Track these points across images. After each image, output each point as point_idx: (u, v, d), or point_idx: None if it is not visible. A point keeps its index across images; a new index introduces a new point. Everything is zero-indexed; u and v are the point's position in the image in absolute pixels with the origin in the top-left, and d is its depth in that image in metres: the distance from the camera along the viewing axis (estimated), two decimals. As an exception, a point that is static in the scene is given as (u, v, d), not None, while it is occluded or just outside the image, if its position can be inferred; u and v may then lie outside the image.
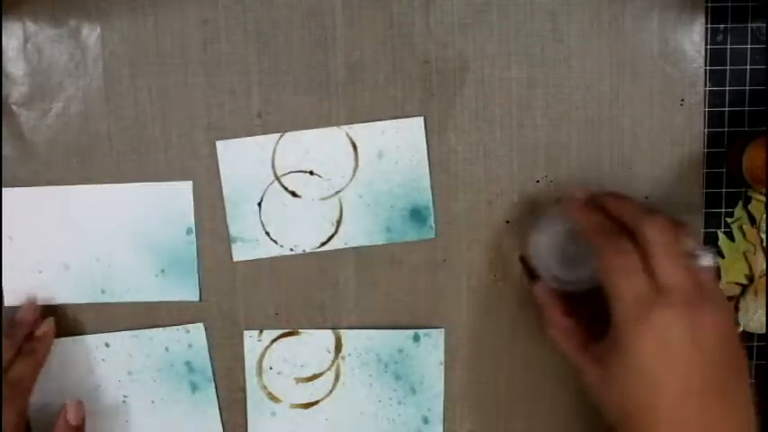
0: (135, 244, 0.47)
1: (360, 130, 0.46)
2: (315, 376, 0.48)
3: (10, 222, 0.46)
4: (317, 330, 0.48)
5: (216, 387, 0.48)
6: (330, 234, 0.47)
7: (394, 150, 0.46)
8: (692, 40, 0.46)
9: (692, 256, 0.35)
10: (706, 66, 0.46)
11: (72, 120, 0.46)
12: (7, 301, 0.47)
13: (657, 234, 0.35)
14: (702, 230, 0.48)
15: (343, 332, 0.48)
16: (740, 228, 0.48)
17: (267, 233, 0.47)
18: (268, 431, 0.48)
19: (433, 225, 0.47)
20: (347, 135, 0.46)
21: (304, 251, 0.47)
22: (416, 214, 0.47)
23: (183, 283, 0.47)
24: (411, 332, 0.48)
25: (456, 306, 0.48)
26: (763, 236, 0.48)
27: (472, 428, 0.49)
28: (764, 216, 0.47)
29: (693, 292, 0.34)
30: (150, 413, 0.48)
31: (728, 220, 0.48)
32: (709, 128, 0.47)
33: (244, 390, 0.48)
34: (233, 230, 0.47)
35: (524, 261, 0.47)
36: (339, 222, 0.47)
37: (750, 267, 0.48)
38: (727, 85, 0.47)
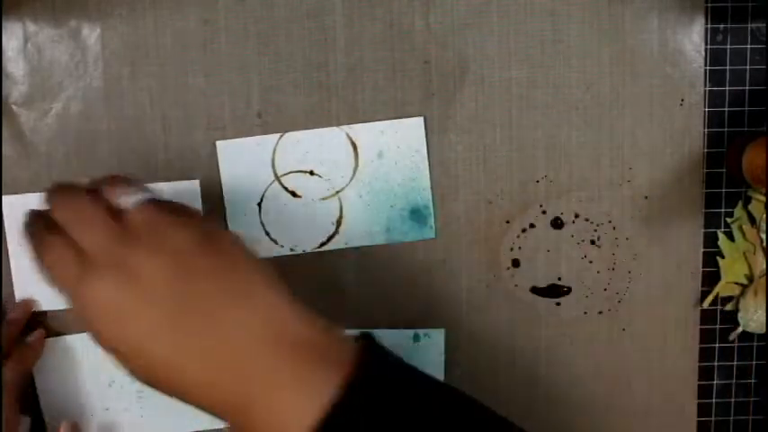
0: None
1: (360, 130, 0.46)
2: (315, 376, 0.48)
3: (20, 230, 0.46)
4: (317, 330, 0.48)
5: None
6: (330, 234, 0.47)
7: (394, 150, 0.46)
8: (692, 40, 0.46)
9: (127, 203, 0.33)
10: (706, 66, 0.46)
11: (72, 120, 0.46)
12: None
13: (62, 210, 0.33)
14: (702, 230, 0.48)
15: (343, 332, 0.48)
16: (740, 228, 0.48)
17: (267, 233, 0.47)
18: (268, 431, 0.48)
19: (433, 225, 0.47)
20: (347, 135, 0.46)
21: (304, 251, 0.47)
22: (416, 214, 0.47)
23: None
24: (411, 332, 0.48)
25: (456, 306, 0.48)
26: (763, 236, 0.48)
27: (472, 428, 0.49)
28: (764, 216, 0.47)
29: (118, 246, 0.31)
30: (165, 408, 0.48)
31: (728, 220, 0.48)
32: (709, 128, 0.47)
33: (244, 390, 0.48)
34: (233, 230, 0.47)
35: None
36: (339, 222, 0.47)
37: (750, 267, 0.48)
38: (727, 85, 0.47)
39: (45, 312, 0.47)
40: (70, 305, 0.32)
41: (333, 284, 0.48)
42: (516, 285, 0.48)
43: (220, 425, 0.48)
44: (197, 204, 0.46)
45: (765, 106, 0.47)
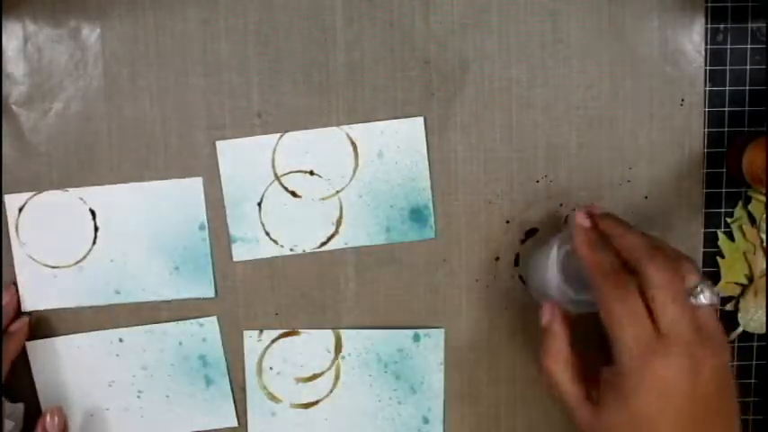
0: (149, 243, 0.47)
1: (360, 130, 0.46)
2: (315, 376, 0.48)
3: (23, 227, 0.46)
4: (316, 330, 0.48)
5: (230, 380, 0.48)
6: (330, 234, 0.47)
7: (394, 150, 0.46)
8: (692, 40, 0.46)
9: (694, 294, 0.35)
10: (706, 66, 0.46)
11: (72, 120, 0.46)
12: (24, 307, 0.47)
13: (659, 276, 0.35)
14: (702, 230, 0.48)
15: (343, 332, 0.48)
16: (740, 228, 0.48)
17: (267, 233, 0.47)
18: (268, 431, 0.48)
19: (433, 225, 0.47)
20: (347, 135, 0.46)
21: (304, 251, 0.47)
22: (416, 214, 0.47)
23: (197, 279, 0.47)
24: (411, 332, 0.48)
25: (456, 306, 0.48)
26: (763, 236, 0.48)
27: (472, 428, 0.49)
28: (764, 216, 0.47)
29: (695, 339, 0.34)
30: (165, 408, 0.48)
31: (728, 220, 0.48)
32: (709, 128, 0.47)
33: (244, 390, 0.48)
34: (233, 230, 0.47)
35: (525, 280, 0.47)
36: (339, 222, 0.47)
37: (750, 267, 0.48)
38: (728, 85, 0.47)
39: (46, 312, 0.47)
40: (626, 358, 0.34)
41: (333, 285, 0.48)
42: (516, 285, 0.48)
43: (220, 425, 0.49)
44: (199, 202, 0.46)
45: (765, 106, 0.47)
